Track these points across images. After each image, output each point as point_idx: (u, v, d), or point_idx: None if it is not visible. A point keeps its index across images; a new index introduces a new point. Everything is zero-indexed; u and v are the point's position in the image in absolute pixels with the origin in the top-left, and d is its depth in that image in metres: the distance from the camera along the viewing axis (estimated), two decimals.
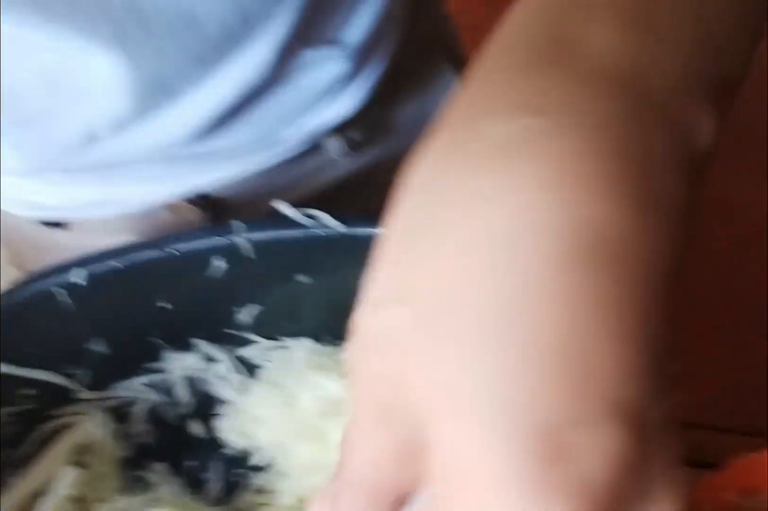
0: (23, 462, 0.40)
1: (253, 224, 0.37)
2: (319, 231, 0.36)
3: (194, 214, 0.44)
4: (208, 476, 0.40)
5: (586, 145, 0.17)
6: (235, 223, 0.36)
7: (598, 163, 0.17)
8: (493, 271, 0.16)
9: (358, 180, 0.47)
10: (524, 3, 0.21)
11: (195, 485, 0.40)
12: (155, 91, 0.37)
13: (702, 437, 0.42)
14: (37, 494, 0.39)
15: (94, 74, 0.36)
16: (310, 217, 0.36)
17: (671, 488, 0.17)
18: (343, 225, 0.36)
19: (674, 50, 0.20)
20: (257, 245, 0.36)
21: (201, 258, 0.37)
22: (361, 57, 0.43)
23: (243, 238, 0.36)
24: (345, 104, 0.43)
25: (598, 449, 0.16)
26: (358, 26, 0.42)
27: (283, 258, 0.37)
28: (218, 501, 0.39)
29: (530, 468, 0.16)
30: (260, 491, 0.39)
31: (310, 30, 0.40)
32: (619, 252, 0.17)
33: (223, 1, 0.35)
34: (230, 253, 0.37)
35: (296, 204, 0.37)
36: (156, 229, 0.43)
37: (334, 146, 0.45)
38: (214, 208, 0.44)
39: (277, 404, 0.39)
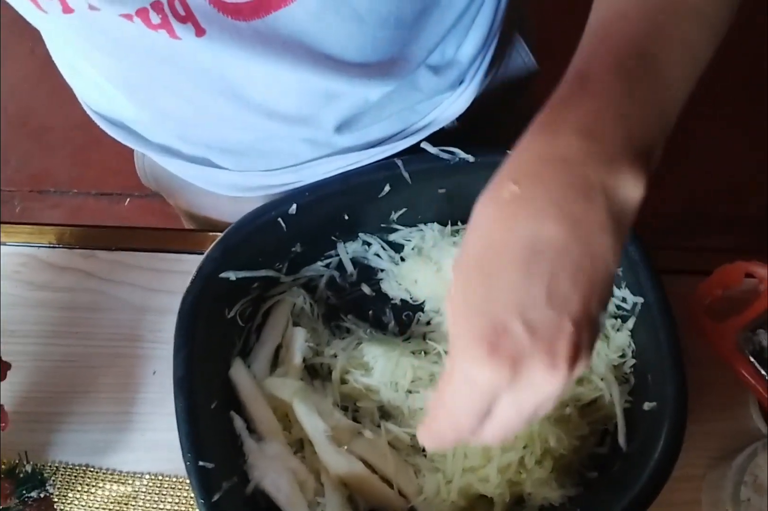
0: (258, 331, 0.59)
1: (409, 160, 0.53)
2: (455, 161, 0.52)
3: None
4: (386, 319, 0.60)
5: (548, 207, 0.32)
6: (397, 160, 0.53)
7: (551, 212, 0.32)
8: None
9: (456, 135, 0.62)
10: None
11: (379, 326, 0.60)
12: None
13: (699, 256, 0.62)
14: (279, 348, 0.59)
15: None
16: (448, 151, 0.52)
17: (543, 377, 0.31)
18: (472, 156, 0.52)
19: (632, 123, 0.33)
20: (412, 174, 0.53)
21: (373, 185, 0.54)
22: (471, 66, 0.56)
23: (403, 170, 0.53)
24: (464, 101, 0.57)
25: (522, 336, 0.31)
26: (469, 45, 0.54)
27: (430, 180, 0.54)
28: (398, 333, 0.60)
29: (481, 340, 0.31)
30: (427, 323, 0.59)
31: (430, 58, 0.53)
32: (560, 250, 0.31)
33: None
34: (394, 180, 0.53)
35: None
36: None
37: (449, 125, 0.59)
38: None
39: (427, 269, 0.58)
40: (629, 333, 0.53)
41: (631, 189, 0.33)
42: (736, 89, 1.41)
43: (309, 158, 0.57)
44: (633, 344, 0.53)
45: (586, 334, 0.32)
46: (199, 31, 0.41)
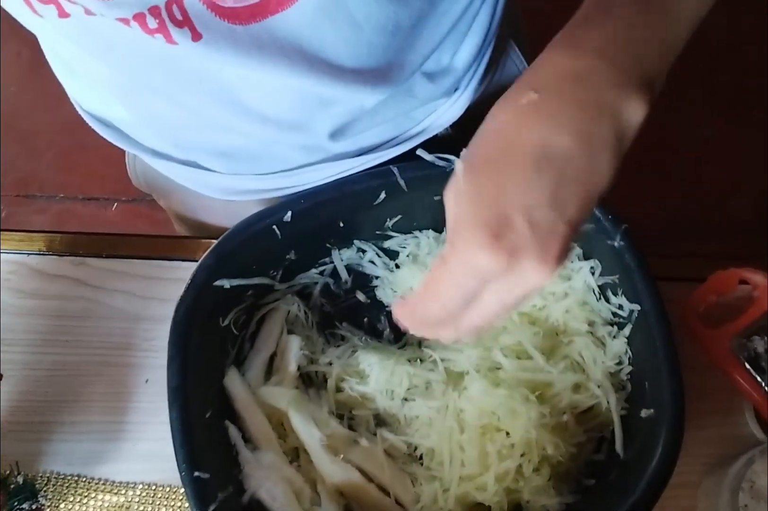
0: (252, 339, 0.59)
1: (404, 167, 0.52)
2: (451, 168, 0.52)
3: None
4: (381, 326, 0.60)
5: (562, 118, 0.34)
6: (393, 168, 0.52)
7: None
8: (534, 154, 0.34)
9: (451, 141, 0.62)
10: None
11: (374, 334, 0.60)
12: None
13: (692, 262, 0.63)
14: (273, 357, 0.58)
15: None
16: (444, 159, 0.52)
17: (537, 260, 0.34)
18: None
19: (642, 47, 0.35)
20: (408, 181, 0.53)
21: (369, 193, 0.53)
22: (467, 73, 0.55)
23: (399, 177, 0.52)
24: (458, 108, 0.56)
25: (525, 231, 0.33)
26: (464, 52, 0.54)
27: (426, 188, 0.53)
28: (393, 341, 0.59)
29: (487, 228, 0.33)
30: None
31: (425, 65, 0.53)
32: (568, 159, 0.34)
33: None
34: (390, 188, 0.53)
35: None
36: None
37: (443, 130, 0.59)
38: None
39: (422, 276, 0.58)
40: (626, 340, 0.53)
41: (635, 113, 0.35)
42: (729, 94, 1.42)
43: (302, 164, 0.57)
44: (630, 351, 0.53)
45: (572, 239, 0.35)
46: (196, 36, 0.41)
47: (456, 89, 0.57)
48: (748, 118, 1.40)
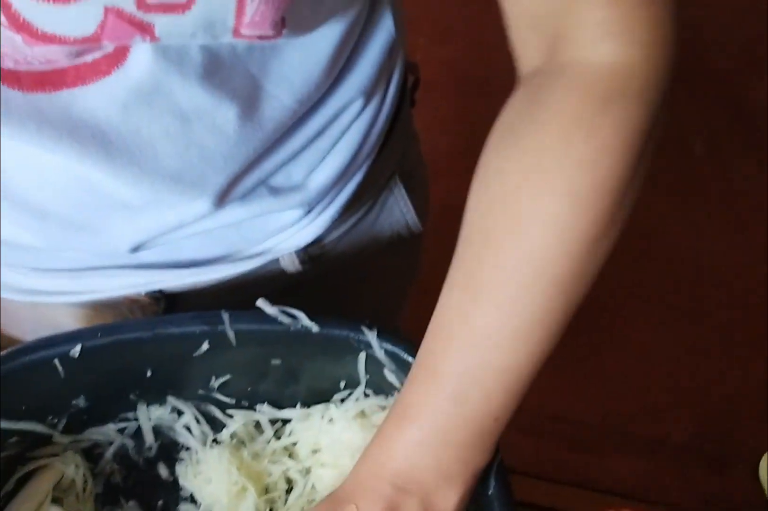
0: (5, 500, 0.44)
1: (237, 316, 0.42)
2: (296, 327, 0.41)
3: (151, 306, 0.48)
4: None
5: None
6: (223, 314, 0.41)
7: None
8: None
9: (307, 284, 0.52)
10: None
11: None
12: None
13: (573, 491, 0.50)
14: None
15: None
16: (289, 314, 0.42)
17: None
18: (317, 325, 0.41)
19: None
20: (239, 335, 0.42)
21: (187, 339, 0.42)
22: (324, 197, 0.47)
23: (228, 327, 0.41)
24: (307, 234, 0.47)
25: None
26: (323, 172, 0.45)
27: (261, 346, 0.42)
28: None
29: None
30: None
31: (272, 178, 0.44)
32: None
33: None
34: (215, 337, 0.42)
35: (246, 301, 0.42)
36: (118, 316, 0.48)
37: (289, 262, 0.49)
38: (168, 301, 0.48)
39: (229, 470, 0.44)
40: None
41: (443, 501, 0.37)
42: (660, 292, 1.33)
43: (95, 266, 0.46)
44: None
45: None
46: None
47: (309, 212, 0.47)
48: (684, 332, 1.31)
